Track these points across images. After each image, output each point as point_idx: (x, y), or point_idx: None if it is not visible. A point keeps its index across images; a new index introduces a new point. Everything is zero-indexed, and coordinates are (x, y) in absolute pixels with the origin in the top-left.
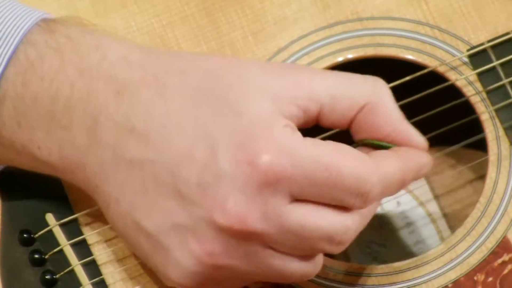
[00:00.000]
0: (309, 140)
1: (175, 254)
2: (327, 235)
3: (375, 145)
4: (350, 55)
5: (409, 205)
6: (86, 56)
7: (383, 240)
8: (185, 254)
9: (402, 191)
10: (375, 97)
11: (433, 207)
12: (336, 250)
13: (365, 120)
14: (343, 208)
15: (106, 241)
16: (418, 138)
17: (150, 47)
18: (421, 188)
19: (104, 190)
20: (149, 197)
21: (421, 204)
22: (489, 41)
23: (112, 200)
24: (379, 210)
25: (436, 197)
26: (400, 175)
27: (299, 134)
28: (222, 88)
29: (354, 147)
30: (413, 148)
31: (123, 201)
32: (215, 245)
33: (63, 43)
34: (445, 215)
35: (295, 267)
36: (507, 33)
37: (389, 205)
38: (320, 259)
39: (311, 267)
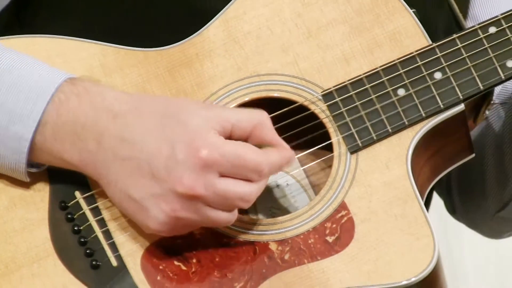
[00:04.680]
0: (228, 140)
1: (153, 212)
2: (241, 196)
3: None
4: (252, 96)
5: (292, 182)
6: (94, 98)
7: (278, 205)
8: (159, 211)
9: (284, 174)
10: (262, 120)
11: (306, 182)
12: (246, 206)
13: (255, 134)
14: (249, 180)
15: (109, 207)
16: (285, 144)
17: (132, 93)
18: (299, 171)
19: (107, 176)
20: (135, 178)
21: (298, 181)
22: (334, 86)
23: (112, 182)
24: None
25: (307, 176)
26: (279, 162)
27: (222, 137)
28: (177, 114)
29: None
30: (283, 148)
31: (119, 182)
32: (177, 205)
33: (81, 91)
34: (313, 187)
35: (223, 216)
36: (343, 82)
37: (281, 184)
38: (236, 212)
39: (232, 216)
